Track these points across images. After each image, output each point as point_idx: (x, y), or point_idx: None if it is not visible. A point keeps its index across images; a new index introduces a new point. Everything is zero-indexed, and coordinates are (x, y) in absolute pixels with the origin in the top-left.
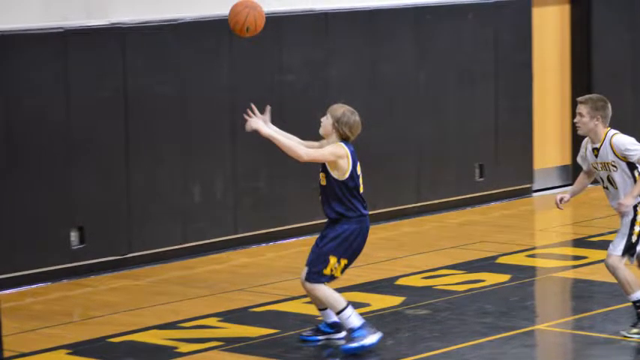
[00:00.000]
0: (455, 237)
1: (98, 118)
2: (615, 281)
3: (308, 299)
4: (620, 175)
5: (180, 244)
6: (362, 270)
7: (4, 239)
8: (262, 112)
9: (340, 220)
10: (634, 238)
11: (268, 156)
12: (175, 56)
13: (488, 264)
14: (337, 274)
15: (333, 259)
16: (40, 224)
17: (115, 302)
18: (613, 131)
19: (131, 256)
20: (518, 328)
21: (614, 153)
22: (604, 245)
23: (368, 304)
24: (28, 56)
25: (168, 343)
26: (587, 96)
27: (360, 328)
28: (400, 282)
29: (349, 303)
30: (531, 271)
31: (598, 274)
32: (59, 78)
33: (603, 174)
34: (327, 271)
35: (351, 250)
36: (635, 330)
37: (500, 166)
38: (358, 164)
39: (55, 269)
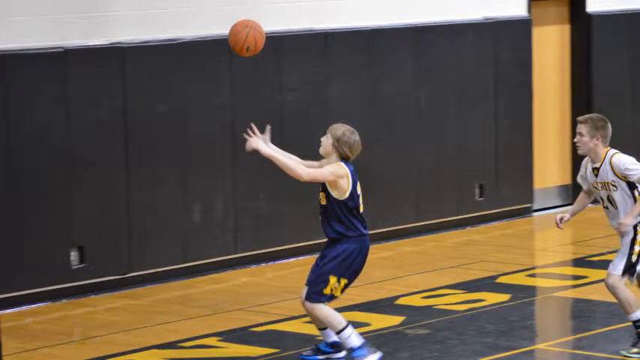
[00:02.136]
0: (455, 256)
1: (98, 137)
2: (615, 301)
3: (308, 319)
4: (620, 195)
5: (180, 263)
6: (362, 289)
7: (5, 259)
8: (262, 131)
9: (340, 240)
10: (634, 258)
11: (268, 175)
12: (175, 76)
13: (488, 283)
14: (337, 293)
15: (333, 279)
16: (40, 244)
17: (115, 322)
18: (613, 151)
19: (131, 275)
20: (519, 348)
21: (614, 172)
22: (604, 265)
23: (368, 324)
24: (27, 76)
25: None
26: (587, 115)
27: (360, 347)
28: (400, 301)
29: (349, 322)
30: (531, 290)
31: (598, 294)
32: (59, 97)
33: (603, 193)
34: (327, 291)
35: (351, 270)
36: (635, 349)
37: (500, 185)
38: (358, 184)
39: (55, 289)
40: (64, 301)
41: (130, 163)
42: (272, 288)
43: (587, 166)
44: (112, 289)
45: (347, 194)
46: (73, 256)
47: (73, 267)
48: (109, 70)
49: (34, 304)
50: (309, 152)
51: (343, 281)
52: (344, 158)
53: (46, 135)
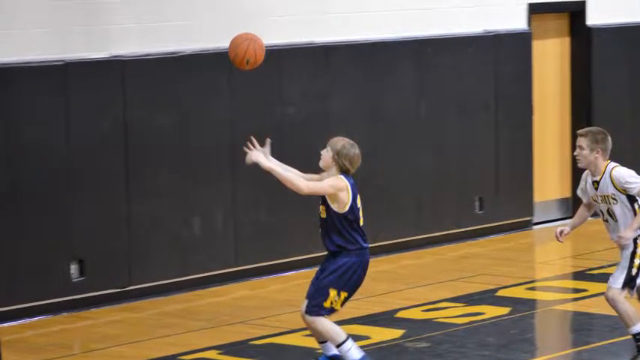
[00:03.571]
0: (455, 269)
1: (98, 150)
2: (615, 314)
3: (308, 332)
4: (620, 208)
5: (181, 276)
6: (362, 302)
7: (5, 272)
8: (262, 144)
9: (340, 253)
10: (634, 271)
11: (268, 188)
12: (175, 88)
13: (488, 296)
14: (337, 306)
15: (333, 292)
16: (41, 257)
17: (115, 335)
18: (613, 164)
19: (131, 288)
20: None
21: (614, 186)
22: (604, 278)
23: (368, 337)
24: (29, 88)
25: None
26: (587, 129)
27: None
28: (400, 314)
29: (349, 336)
30: (531, 303)
31: (598, 307)
32: (60, 110)
33: (603, 207)
34: (327, 304)
35: (351, 283)
36: None
37: (500, 198)
38: (358, 197)
39: (55, 302)
40: (65, 314)
41: (130, 175)
42: (272, 301)
43: (587, 179)
44: (112, 302)
45: (347, 207)
46: (73, 269)
47: (74, 280)
48: (110, 83)
49: (35, 317)
50: (310, 165)
51: (343, 294)
52: (344, 171)
53: (46, 147)
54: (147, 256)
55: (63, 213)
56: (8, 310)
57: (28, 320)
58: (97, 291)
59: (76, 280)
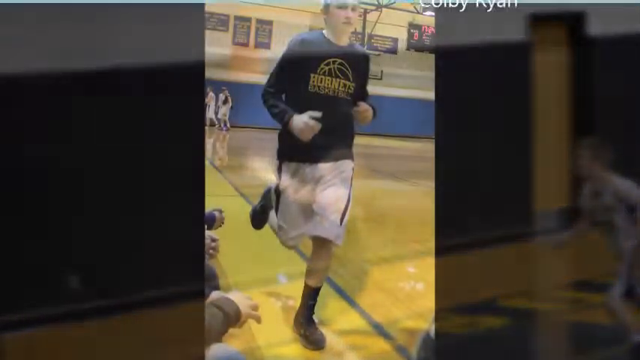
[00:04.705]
0: (454, 279)
1: (98, 158)
2: (615, 324)
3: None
4: (620, 218)
5: (182, 286)
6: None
7: (3, 281)
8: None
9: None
10: (633, 281)
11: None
12: (176, 98)
13: (487, 306)
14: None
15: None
16: (40, 266)
17: (116, 344)
18: (613, 174)
19: (130, 300)
20: None
21: (614, 196)
22: (604, 288)
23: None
24: (29, 99)
25: None
26: (587, 139)
27: None
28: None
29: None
30: (531, 313)
31: (598, 317)
32: (60, 120)
33: (603, 216)
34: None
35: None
36: None
37: (500, 208)
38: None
39: (54, 311)
40: (63, 324)
41: (132, 185)
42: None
43: (587, 189)
44: (112, 312)
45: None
46: (73, 279)
47: (72, 289)
48: (110, 92)
49: (33, 326)
50: None
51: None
52: None
53: (45, 157)
54: (147, 267)
55: (62, 222)
56: (7, 320)
57: (27, 330)
58: (97, 300)
59: (75, 289)
